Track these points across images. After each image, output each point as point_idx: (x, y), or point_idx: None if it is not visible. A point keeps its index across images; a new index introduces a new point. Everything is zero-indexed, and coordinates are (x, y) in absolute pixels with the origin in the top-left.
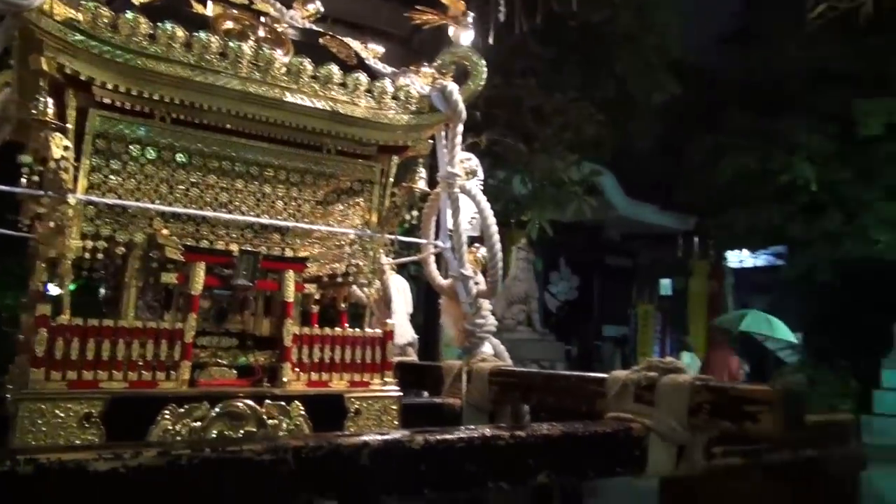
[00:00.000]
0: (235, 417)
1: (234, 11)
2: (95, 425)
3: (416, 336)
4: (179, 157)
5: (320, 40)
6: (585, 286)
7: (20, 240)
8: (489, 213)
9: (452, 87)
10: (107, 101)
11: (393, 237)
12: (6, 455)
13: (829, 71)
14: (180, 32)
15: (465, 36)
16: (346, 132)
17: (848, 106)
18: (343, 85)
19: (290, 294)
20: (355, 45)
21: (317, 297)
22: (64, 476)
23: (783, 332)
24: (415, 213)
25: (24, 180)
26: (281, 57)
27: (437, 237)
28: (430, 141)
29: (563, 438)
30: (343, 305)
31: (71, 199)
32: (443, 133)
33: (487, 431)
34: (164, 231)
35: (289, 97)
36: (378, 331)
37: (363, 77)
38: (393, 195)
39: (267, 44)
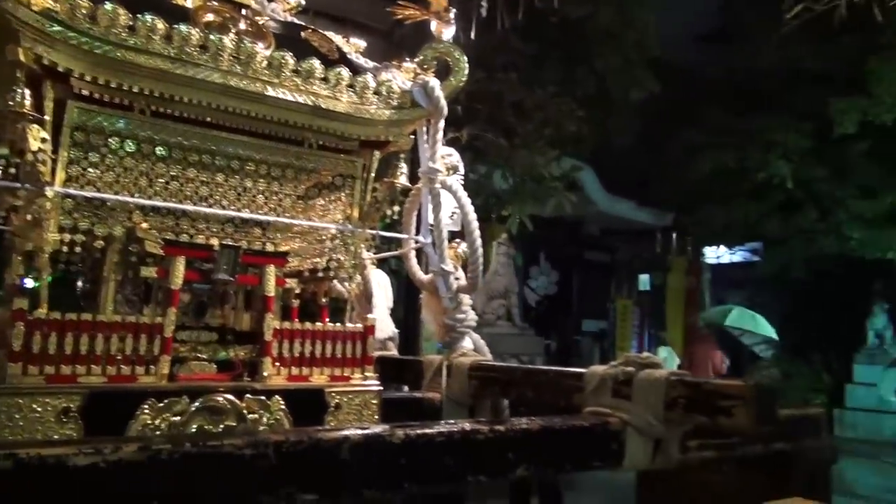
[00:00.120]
0: (215, 412)
1: (215, 4)
2: (73, 420)
3: (396, 330)
4: (159, 151)
5: (302, 34)
6: (565, 281)
7: None
8: (470, 208)
9: (434, 82)
10: (85, 92)
11: (374, 232)
12: None
13: (806, 70)
14: (160, 24)
15: (446, 32)
16: (328, 127)
17: (823, 105)
18: (325, 79)
19: (271, 288)
20: (337, 39)
21: (297, 291)
22: (43, 471)
23: (766, 328)
24: (396, 208)
25: (0, 172)
26: (262, 50)
27: (418, 232)
28: (412, 136)
29: (541, 433)
30: (324, 300)
31: (48, 192)
32: (424, 128)
33: (467, 426)
34: (144, 225)
35: (270, 91)
36: (359, 325)
37: (345, 72)
38: (374, 190)
39: (248, 37)
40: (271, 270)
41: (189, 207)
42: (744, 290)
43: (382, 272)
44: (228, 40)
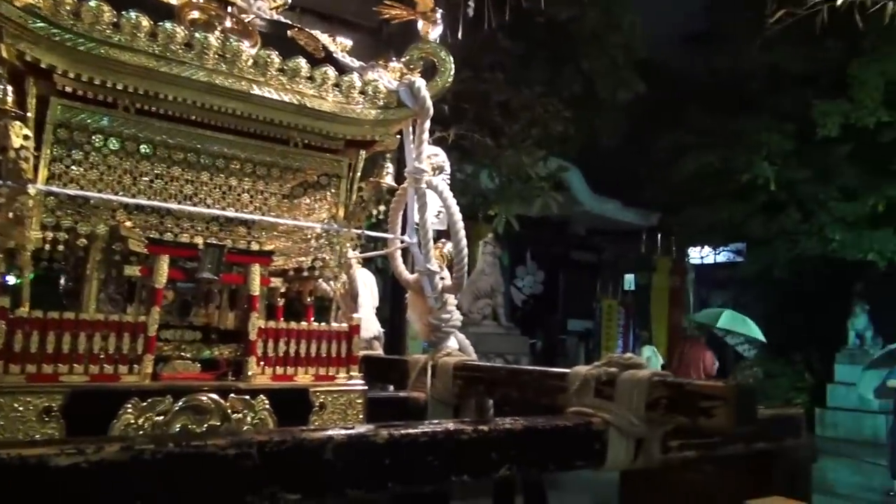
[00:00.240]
0: (199, 411)
1: (201, 1)
2: (55, 419)
3: (382, 330)
4: (143, 149)
5: (288, 32)
6: (551, 281)
7: None
8: (455, 209)
9: (420, 82)
10: (68, 89)
11: (359, 231)
12: None
13: (789, 72)
14: (145, 22)
15: (433, 32)
16: (313, 126)
17: (806, 107)
18: (310, 78)
19: (256, 287)
20: (323, 38)
21: (282, 290)
22: (24, 471)
23: (755, 330)
24: (382, 207)
25: None
26: (248, 49)
27: (403, 232)
28: (398, 136)
29: (525, 433)
30: (309, 299)
31: (31, 190)
32: (410, 128)
33: (450, 426)
34: (128, 223)
35: (255, 90)
36: (344, 325)
37: (331, 71)
38: (360, 190)
39: (234, 35)
40: (256, 269)
41: (173, 206)
42: (727, 291)
43: (368, 271)
44: (214, 38)
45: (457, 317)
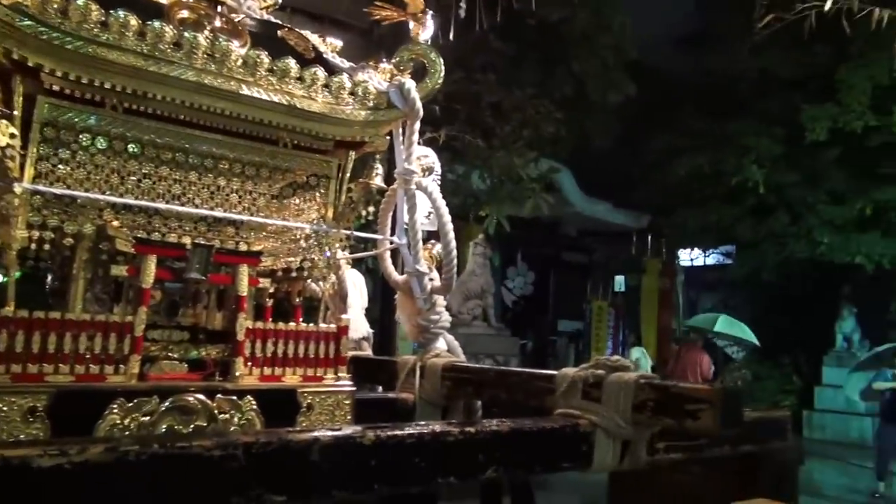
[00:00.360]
0: (186, 412)
1: (190, 1)
2: (40, 419)
3: (371, 330)
4: (131, 148)
5: (278, 32)
6: (542, 281)
7: None
8: (445, 210)
9: (410, 84)
10: (56, 88)
11: (348, 233)
12: None
13: (778, 76)
14: (133, 21)
15: (423, 33)
16: (303, 126)
17: (796, 111)
18: (300, 79)
19: (244, 288)
20: (314, 38)
21: (271, 291)
22: (7, 472)
23: (750, 335)
24: (371, 208)
25: None
26: (237, 49)
27: (393, 233)
28: (388, 137)
29: (511, 434)
30: (298, 300)
31: (17, 189)
32: (400, 129)
33: (437, 428)
34: (115, 223)
35: (245, 90)
36: (332, 326)
37: (320, 72)
38: (349, 190)
39: (223, 35)
40: (244, 270)
41: (161, 206)
42: (717, 293)
43: (358, 272)
44: (203, 38)
45: (445, 318)
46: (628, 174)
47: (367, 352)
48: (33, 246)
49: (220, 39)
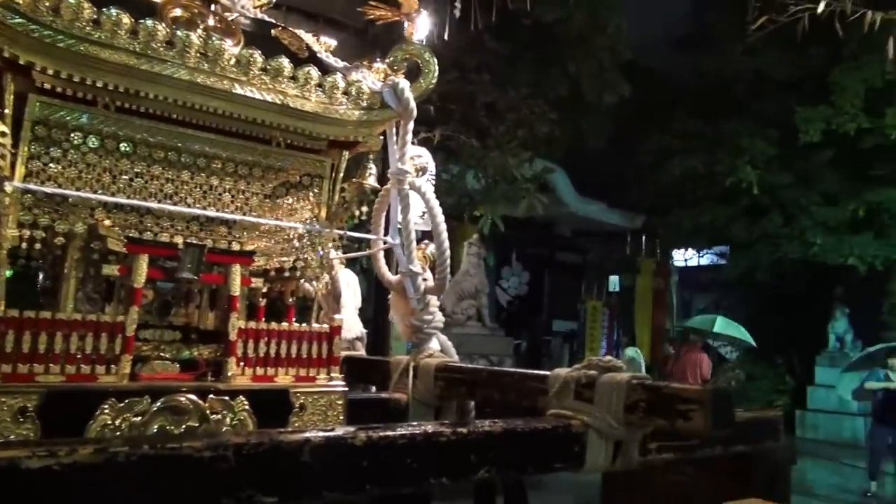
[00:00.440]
0: (177, 412)
1: None
2: (30, 420)
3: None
4: (123, 147)
5: (272, 31)
6: (536, 281)
7: None
8: (438, 211)
9: (404, 83)
10: (47, 86)
11: (342, 232)
12: None
13: (773, 78)
14: (126, 19)
15: (417, 33)
16: (296, 126)
17: (790, 112)
18: (293, 78)
19: (236, 288)
20: (307, 37)
21: (264, 290)
22: None
23: (747, 336)
24: (365, 208)
25: None
26: (230, 48)
27: (386, 233)
28: (381, 137)
29: (504, 435)
30: (291, 300)
31: (7, 187)
32: (394, 129)
33: (429, 428)
34: (107, 222)
35: (238, 89)
36: (325, 326)
37: (314, 71)
38: (342, 190)
39: (216, 33)
40: (237, 269)
41: (153, 205)
42: (710, 293)
43: (351, 272)
44: (196, 36)
45: (439, 318)
46: (623, 174)
47: (361, 352)
48: (24, 245)
49: (213, 38)
